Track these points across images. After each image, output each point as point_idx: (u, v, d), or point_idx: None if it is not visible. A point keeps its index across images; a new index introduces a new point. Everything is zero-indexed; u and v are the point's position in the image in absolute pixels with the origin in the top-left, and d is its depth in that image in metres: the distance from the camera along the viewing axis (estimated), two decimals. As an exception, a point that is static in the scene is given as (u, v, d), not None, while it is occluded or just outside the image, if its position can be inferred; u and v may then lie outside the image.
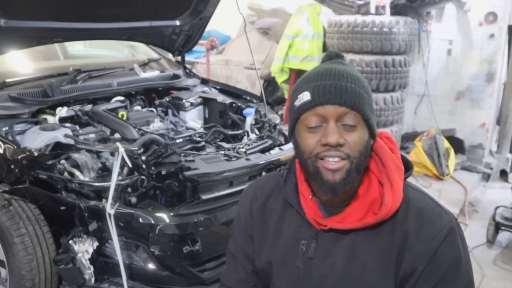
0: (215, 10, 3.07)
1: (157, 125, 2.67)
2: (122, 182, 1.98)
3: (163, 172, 2.00)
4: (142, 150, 2.09)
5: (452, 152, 4.61)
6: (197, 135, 2.66)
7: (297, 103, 0.97)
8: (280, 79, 4.89)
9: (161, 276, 2.03)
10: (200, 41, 3.52)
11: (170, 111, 2.99)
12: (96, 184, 2.03)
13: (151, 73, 3.22)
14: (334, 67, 0.98)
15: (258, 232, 1.16)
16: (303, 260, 1.06)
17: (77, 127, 2.44)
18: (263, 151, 2.48)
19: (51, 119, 2.45)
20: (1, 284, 2.15)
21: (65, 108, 2.53)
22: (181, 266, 2.01)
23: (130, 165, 2.01)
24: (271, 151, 2.49)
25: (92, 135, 2.41)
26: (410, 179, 1.07)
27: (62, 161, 2.06)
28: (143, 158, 2.03)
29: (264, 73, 5.15)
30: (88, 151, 2.13)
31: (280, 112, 5.00)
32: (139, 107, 2.91)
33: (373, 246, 0.98)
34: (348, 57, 4.49)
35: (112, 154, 2.13)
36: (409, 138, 5.14)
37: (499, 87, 5.15)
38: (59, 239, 2.04)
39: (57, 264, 1.99)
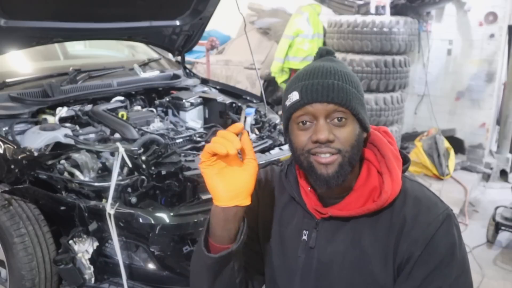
0: (215, 10, 3.07)
1: (157, 125, 2.67)
2: (122, 182, 1.98)
3: (163, 172, 2.01)
4: (142, 150, 2.09)
5: (452, 152, 4.61)
6: (197, 135, 2.66)
7: (288, 103, 1.00)
8: (280, 79, 4.89)
9: (161, 276, 2.03)
10: (200, 41, 3.52)
11: (170, 111, 2.99)
12: (96, 184, 2.03)
13: (151, 73, 3.22)
14: (322, 65, 1.00)
15: (266, 213, 1.17)
16: (304, 250, 1.08)
17: (77, 127, 2.44)
18: (263, 151, 2.49)
19: (51, 119, 2.45)
20: (1, 284, 2.15)
21: (65, 108, 2.54)
22: (181, 266, 2.01)
23: (130, 165, 2.01)
24: (271, 151, 2.49)
25: (92, 135, 2.41)
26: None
27: (62, 161, 2.06)
28: (143, 158, 2.03)
29: (264, 73, 5.15)
30: (88, 151, 2.13)
31: (280, 112, 5.00)
32: (139, 107, 2.91)
33: (373, 234, 1.01)
34: (348, 57, 4.49)
35: (112, 154, 2.13)
36: (409, 138, 5.14)
37: (499, 87, 5.15)
38: (59, 239, 2.05)
39: (57, 264, 1.99)
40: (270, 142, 2.60)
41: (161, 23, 3.02)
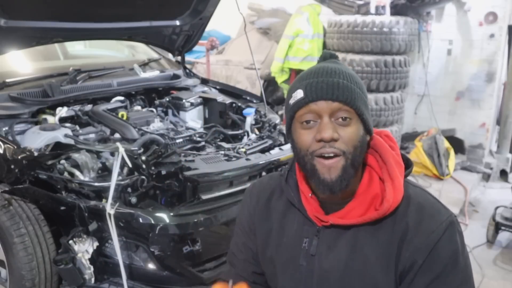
0: (215, 10, 3.07)
1: (157, 125, 2.67)
2: (122, 182, 1.98)
3: (163, 172, 2.00)
4: (142, 150, 2.09)
5: (452, 152, 4.61)
6: (197, 135, 2.66)
7: (291, 101, 0.99)
8: (280, 79, 4.89)
9: (161, 276, 2.03)
10: (200, 41, 3.52)
11: (170, 111, 2.99)
12: (96, 184, 2.03)
13: (151, 73, 3.22)
14: (327, 66, 1.00)
15: (261, 230, 1.17)
16: (305, 257, 1.07)
17: (77, 127, 2.44)
18: (263, 151, 2.49)
19: (51, 119, 2.45)
20: (1, 284, 2.15)
21: (65, 108, 2.54)
22: (181, 266, 2.01)
23: (130, 165, 2.01)
24: (271, 151, 2.49)
25: (92, 135, 2.41)
26: (410, 178, 1.08)
27: (62, 161, 2.06)
28: (143, 158, 2.03)
29: (264, 73, 5.14)
30: (88, 151, 2.13)
31: (280, 112, 4.99)
32: (139, 107, 2.91)
33: (375, 241, 0.99)
34: (348, 57, 4.49)
35: (112, 154, 2.13)
36: (409, 138, 5.13)
37: (499, 87, 5.15)
38: (59, 239, 2.04)
39: (57, 264, 1.99)
40: (270, 142, 2.60)
41: (161, 23, 3.02)
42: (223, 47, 6.07)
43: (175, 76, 3.30)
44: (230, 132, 2.78)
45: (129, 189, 2.00)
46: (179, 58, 3.52)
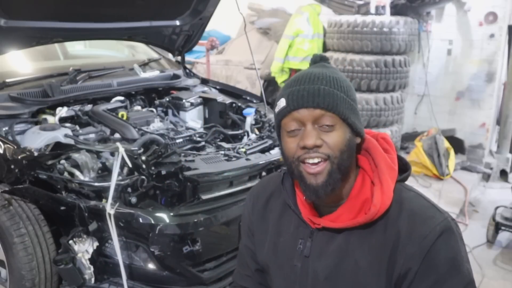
0: (215, 10, 3.07)
1: (157, 125, 2.67)
2: (122, 182, 1.98)
3: (163, 172, 2.00)
4: (142, 150, 2.09)
5: (452, 152, 4.61)
6: (197, 135, 2.66)
7: (276, 109, 1.02)
8: (280, 79, 4.89)
9: (161, 276, 2.03)
10: (200, 41, 3.52)
11: (170, 111, 2.99)
12: (96, 184, 2.03)
13: (151, 73, 3.22)
14: (311, 71, 1.00)
15: (258, 230, 1.19)
16: (300, 258, 1.07)
17: (77, 127, 2.44)
18: (263, 151, 2.48)
19: (51, 119, 2.45)
20: (1, 284, 2.15)
21: (65, 108, 2.54)
22: (181, 266, 2.01)
23: (130, 165, 2.01)
24: (271, 151, 2.49)
25: (92, 135, 2.41)
26: (410, 179, 1.07)
27: (62, 161, 2.06)
28: (143, 158, 2.03)
29: (264, 73, 5.14)
30: (88, 151, 2.13)
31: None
32: (139, 107, 2.91)
33: (366, 246, 0.99)
34: (348, 57, 4.49)
35: (112, 154, 2.13)
36: (409, 138, 5.14)
37: (499, 87, 5.15)
38: (59, 239, 2.04)
39: (57, 264, 1.99)
40: (270, 142, 2.60)
41: (161, 23, 3.02)
42: (223, 47, 6.07)
43: (175, 76, 3.30)
44: (230, 132, 2.78)
45: (129, 189, 2.00)
46: (179, 58, 3.52)
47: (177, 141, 2.53)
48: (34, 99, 2.49)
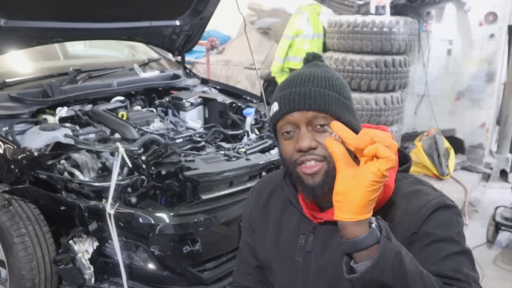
0: (215, 10, 3.07)
1: (157, 125, 2.67)
2: (122, 182, 1.98)
3: (163, 172, 2.00)
4: (142, 150, 2.09)
5: (452, 152, 4.61)
6: (197, 135, 2.66)
7: (271, 113, 1.03)
8: (280, 79, 4.88)
9: (161, 276, 2.03)
10: (200, 41, 3.52)
11: (170, 111, 2.99)
12: (96, 184, 2.03)
13: (151, 73, 3.22)
14: (302, 73, 1.00)
15: (260, 226, 1.19)
16: (302, 254, 1.08)
17: (77, 127, 2.44)
18: (263, 151, 2.48)
19: (51, 119, 2.45)
20: (1, 284, 2.15)
21: (65, 108, 2.54)
22: (181, 266, 2.01)
23: (130, 165, 2.01)
24: (271, 151, 2.49)
25: (92, 135, 2.41)
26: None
27: (62, 161, 2.06)
28: (143, 158, 2.03)
29: (264, 73, 5.15)
30: (88, 151, 2.13)
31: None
32: (139, 107, 2.91)
33: None
34: (348, 57, 4.49)
35: (112, 154, 2.13)
36: (409, 138, 5.13)
37: (499, 87, 5.15)
38: (59, 239, 2.04)
39: (57, 264, 1.99)
40: (270, 142, 2.60)
41: (161, 23, 3.02)
42: (223, 47, 6.07)
43: (175, 76, 3.30)
44: (230, 132, 2.78)
45: (129, 189, 2.00)
46: (179, 58, 3.51)
47: (177, 141, 2.53)
48: (34, 99, 2.49)
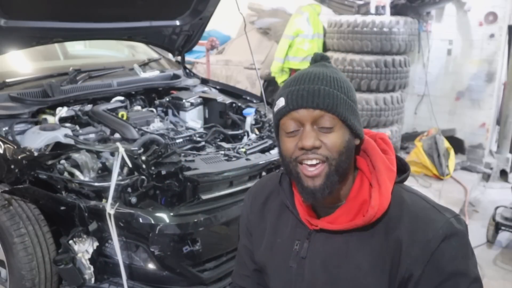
0: (215, 10, 3.07)
1: (157, 125, 2.67)
2: (122, 182, 1.98)
3: (163, 172, 2.00)
4: (142, 150, 2.09)
5: (452, 152, 4.61)
6: (197, 135, 2.66)
7: (275, 109, 1.00)
8: (280, 79, 4.89)
9: (161, 276, 2.03)
10: (200, 41, 3.52)
11: (170, 111, 2.99)
12: (96, 184, 2.03)
13: (151, 73, 3.22)
14: (311, 71, 0.99)
15: (256, 230, 1.18)
16: (296, 259, 1.06)
17: (77, 127, 2.44)
18: (263, 151, 2.48)
19: (51, 119, 2.45)
20: (1, 284, 2.15)
21: (65, 108, 2.54)
22: (181, 266, 2.01)
23: (130, 165, 2.01)
24: (271, 151, 2.49)
25: (92, 135, 2.41)
26: (410, 179, 1.07)
27: (62, 161, 2.06)
28: (143, 158, 2.03)
29: (264, 73, 5.15)
30: (88, 151, 2.13)
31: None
32: (139, 107, 2.91)
33: (367, 248, 0.98)
34: (348, 57, 4.49)
35: (112, 154, 2.13)
36: (409, 138, 5.14)
37: (499, 87, 5.15)
38: (59, 239, 2.04)
39: (57, 264, 1.99)
40: (270, 142, 2.60)
41: (161, 23, 3.02)
42: (223, 47, 6.07)
43: (175, 76, 3.31)
44: (230, 132, 2.78)
45: (129, 189, 2.00)
46: (179, 58, 3.52)
47: (177, 141, 2.53)
48: (34, 99, 2.49)
